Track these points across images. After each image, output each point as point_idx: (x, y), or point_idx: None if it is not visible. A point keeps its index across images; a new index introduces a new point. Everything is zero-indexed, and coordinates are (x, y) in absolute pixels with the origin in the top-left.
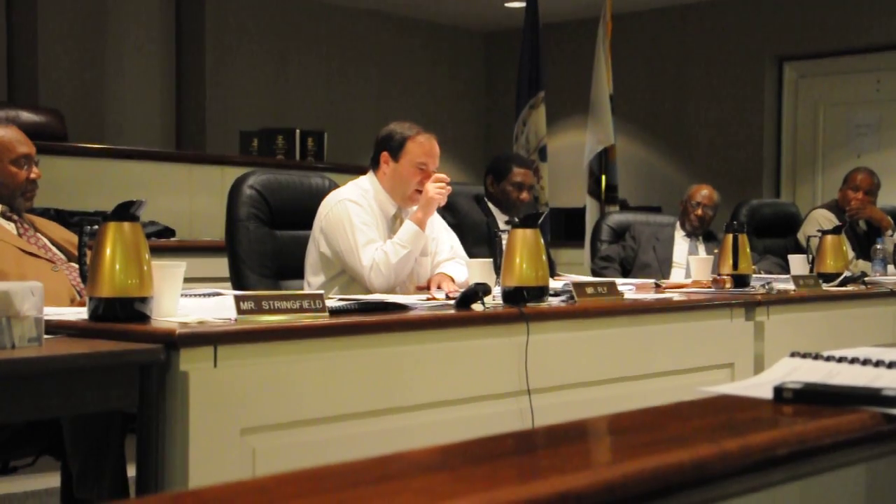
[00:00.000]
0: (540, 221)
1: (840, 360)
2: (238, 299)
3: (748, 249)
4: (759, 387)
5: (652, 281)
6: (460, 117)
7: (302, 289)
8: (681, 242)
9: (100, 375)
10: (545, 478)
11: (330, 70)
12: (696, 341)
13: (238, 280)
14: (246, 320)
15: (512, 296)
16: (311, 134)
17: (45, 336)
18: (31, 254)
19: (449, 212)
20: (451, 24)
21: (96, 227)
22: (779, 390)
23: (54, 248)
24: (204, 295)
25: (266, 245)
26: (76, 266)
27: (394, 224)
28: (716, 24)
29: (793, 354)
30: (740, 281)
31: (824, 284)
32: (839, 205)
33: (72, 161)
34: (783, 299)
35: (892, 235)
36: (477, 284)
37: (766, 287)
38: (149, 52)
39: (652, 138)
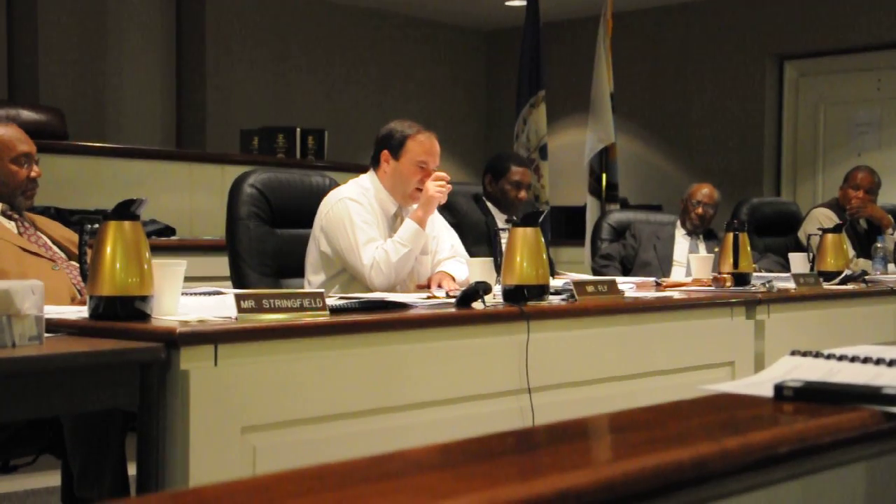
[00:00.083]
0: (540, 220)
1: (840, 358)
2: (238, 298)
3: (749, 248)
4: (760, 385)
5: (652, 279)
6: (461, 116)
7: (302, 287)
8: (681, 241)
9: (100, 374)
10: (545, 476)
11: (330, 69)
12: (696, 340)
13: (238, 279)
14: (246, 319)
15: (512, 294)
16: (312, 132)
17: (46, 335)
18: (31, 252)
19: (448, 211)
20: (451, 23)
21: (97, 225)
22: (779, 388)
23: (55, 247)
24: (204, 293)
25: (266, 244)
26: (77, 265)
27: (394, 222)
28: (716, 22)
29: (793, 353)
30: (741, 279)
31: (825, 283)
32: (840, 203)
33: (72, 160)
34: (784, 298)
35: (892, 234)
36: (477, 283)
37: (767, 285)
38: (149, 51)
39: (652, 137)
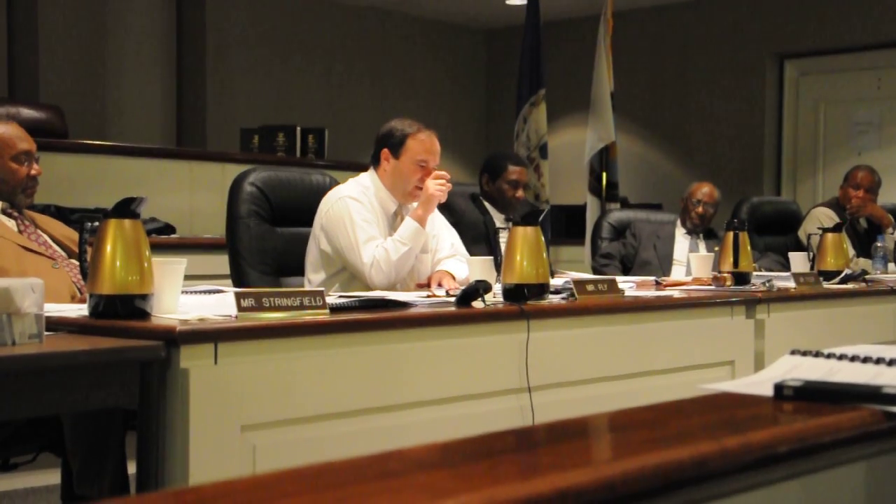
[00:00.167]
0: (541, 219)
1: (840, 357)
2: (238, 296)
3: (749, 247)
4: (760, 384)
5: (652, 278)
6: (461, 114)
7: (302, 286)
8: (681, 240)
9: (100, 372)
10: (545, 475)
11: (331, 67)
12: (696, 339)
13: (238, 277)
14: (246, 317)
15: (512, 293)
16: (312, 131)
17: (46, 333)
18: (31, 251)
19: (447, 211)
20: (452, 22)
21: (97, 223)
22: (779, 388)
23: (55, 245)
24: (204, 292)
25: (266, 242)
26: (77, 263)
27: (394, 221)
28: (717, 21)
29: (793, 352)
30: (741, 278)
31: (825, 282)
32: (840, 202)
33: (72, 158)
34: (784, 297)
35: (892, 233)
36: (477, 282)
37: (767, 285)
38: (149, 49)
39: (653, 136)
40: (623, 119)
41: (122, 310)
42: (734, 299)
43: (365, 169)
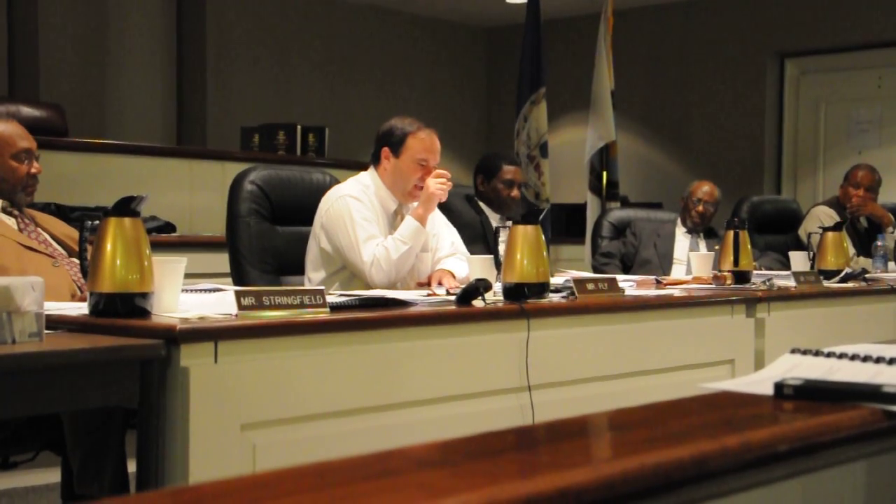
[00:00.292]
0: (541, 218)
1: (840, 356)
2: (239, 295)
3: (749, 246)
4: (760, 383)
5: (653, 277)
6: (461, 113)
7: (303, 285)
8: (682, 239)
9: (100, 371)
10: (545, 474)
11: (331, 66)
12: (696, 338)
13: (239, 276)
14: (246, 316)
15: (513, 292)
16: (313, 130)
17: (46, 331)
18: (31, 249)
19: (446, 210)
20: (452, 20)
21: (97, 222)
22: (779, 387)
23: (55, 244)
24: (205, 290)
25: (267, 241)
26: (77, 261)
27: (394, 220)
28: (717, 20)
29: (793, 351)
30: (741, 277)
31: (825, 281)
32: (840, 201)
33: (72, 156)
34: (784, 296)
35: (892, 232)
36: (478, 280)
37: (767, 284)
38: (150, 47)
39: (653, 134)
40: (623, 118)
41: (123, 308)
42: (734, 298)
43: (365, 168)
